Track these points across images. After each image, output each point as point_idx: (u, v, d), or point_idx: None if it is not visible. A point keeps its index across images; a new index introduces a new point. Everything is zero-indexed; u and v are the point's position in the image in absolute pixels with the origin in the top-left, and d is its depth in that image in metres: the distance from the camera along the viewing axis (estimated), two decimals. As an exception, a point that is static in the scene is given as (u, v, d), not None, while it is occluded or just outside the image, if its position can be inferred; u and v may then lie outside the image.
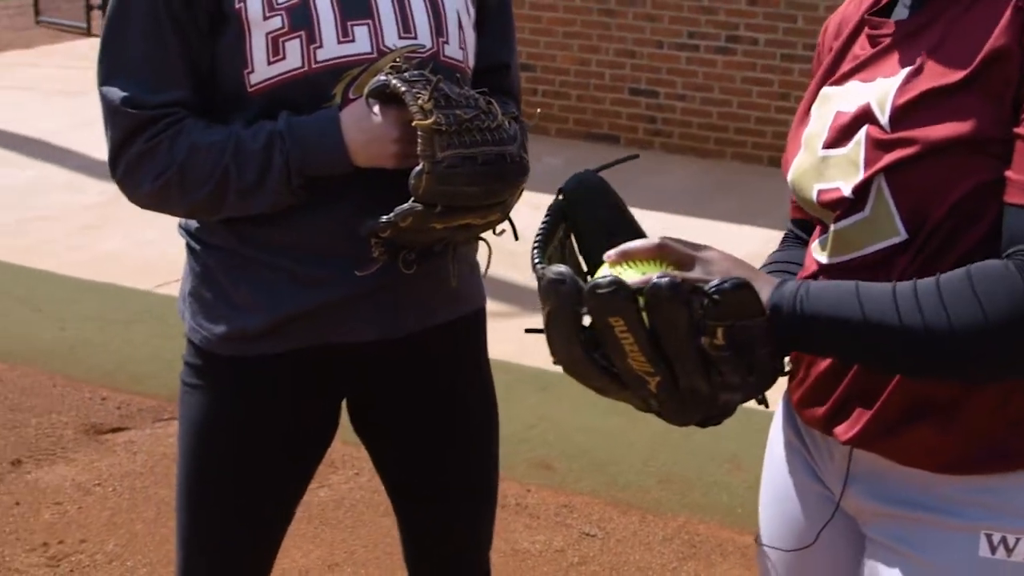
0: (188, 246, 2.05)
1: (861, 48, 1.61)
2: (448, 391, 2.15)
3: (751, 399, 1.48)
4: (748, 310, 1.37)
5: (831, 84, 1.63)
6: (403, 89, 1.77)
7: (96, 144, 7.91)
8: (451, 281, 2.00)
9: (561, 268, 1.41)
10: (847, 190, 1.51)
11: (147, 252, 6.05)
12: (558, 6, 8.50)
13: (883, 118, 1.48)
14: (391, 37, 1.90)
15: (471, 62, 2.03)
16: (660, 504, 3.87)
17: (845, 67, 1.62)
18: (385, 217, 1.81)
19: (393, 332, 2.01)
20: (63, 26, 13.27)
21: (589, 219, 1.65)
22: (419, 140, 1.76)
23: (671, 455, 4.18)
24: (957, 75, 1.43)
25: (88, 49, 12.16)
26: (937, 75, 1.45)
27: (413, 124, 1.76)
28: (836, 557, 1.72)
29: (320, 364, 2.02)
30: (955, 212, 1.44)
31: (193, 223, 2.03)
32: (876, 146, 1.48)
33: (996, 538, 1.50)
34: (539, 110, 8.12)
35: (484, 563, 2.33)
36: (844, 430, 1.58)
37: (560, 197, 1.65)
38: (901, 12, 1.57)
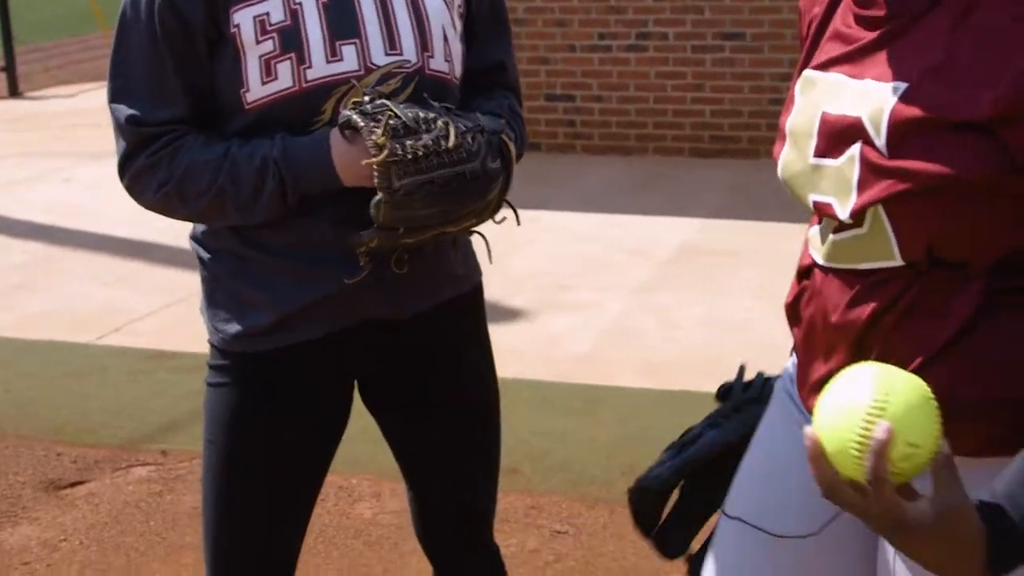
0: (198, 256, 2.18)
1: (844, 23, 1.51)
2: (454, 363, 2.27)
3: None
4: None
5: (815, 67, 1.54)
6: (361, 125, 1.90)
7: (15, 206, 7.87)
8: (454, 268, 2.17)
9: None
10: (842, 212, 1.45)
11: (80, 306, 6.01)
12: (466, 20, 8.54)
13: (879, 140, 1.40)
14: (378, 54, 2.02)
15: (458, 72, 2.14)
16: (626, 496, 3.89)
17: (828, 47, 1.52)
18: (356, 237, 1.94)
19: (398, 315, 2.13)
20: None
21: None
22: (375, 173, 1.88)
23: (632, 448, 4.21)
24: (961, 113, 1.34)
25: (-3, 112, 12.04)
26: (939, 103, 1.36)
27: (363, 163, 1.90)
28: (843, 548, 1.63)
29: (330, 350, 2.14)
30: (956, 251, 1.38)
31: (201, 232, 2.16)
32: (872, 170, 1.41)
33: None
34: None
35: (491, 533, 2.46)
36: None
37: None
38: None
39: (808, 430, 1.27)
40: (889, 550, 1.53)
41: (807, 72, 1.56)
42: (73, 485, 4.18)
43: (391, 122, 1.89)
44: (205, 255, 2.16)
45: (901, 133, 1.38)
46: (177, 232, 6.43)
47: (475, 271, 2.28)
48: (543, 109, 8.59)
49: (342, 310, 2.09)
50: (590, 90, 8.52)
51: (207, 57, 2.01)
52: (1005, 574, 1.26)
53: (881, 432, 1.20)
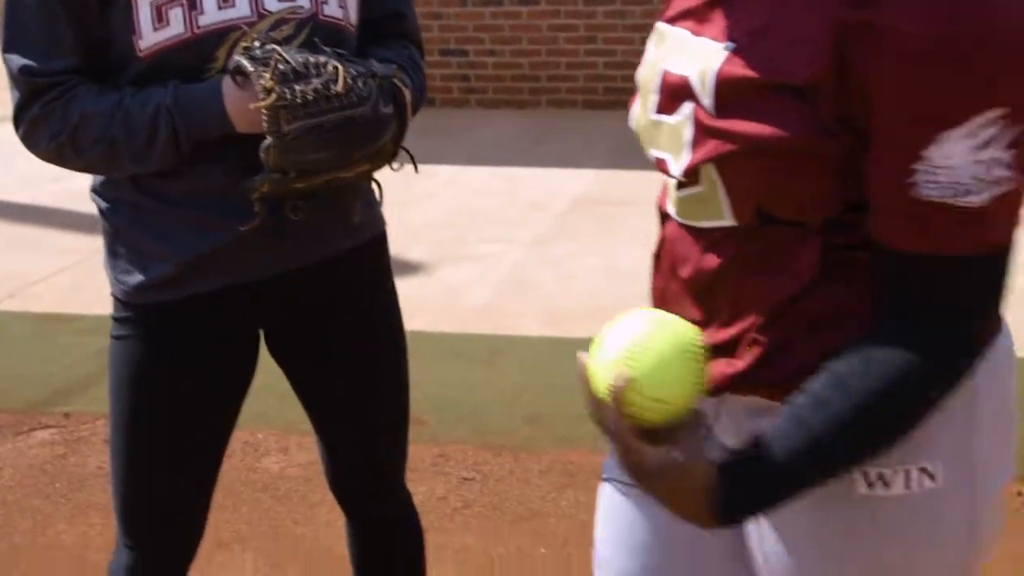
0: (98, 208, 2.17)
1: None
2: (357, 313, 2.28)
3: None
4: None
5: (666, 20, 1.52)
6: (250, 69, 1.91)
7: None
8: (352, 216, 2.15)
9: None
10: (675, 170, 1.45)
11: (-25, 271, 5.93)
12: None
13: (706, 100, 1.38)
14: (270, 0, 2.01)
15: (353, 19, 2.13)
16: (531, 442, 3.98)
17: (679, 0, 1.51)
18: (248, 183, 1.95)
19: (296, 263, 2.15)
20: None
21: None
22: (263, 117, 1.89)
23: (533, 396, 4.29)
24: (780, 76, 1.32)
25: None
26: (761, 65, 1.34)
27: (251, 107, 1.91)
28: None
29: (233, 301, 2.15)
30: (785, 211, 1.38)
31: (100, 184, 2.16)
32: (702, 130, 1.39)
33: (873, 474, 1.43)
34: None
35: (402, 481, 2.49)
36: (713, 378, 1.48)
37: None
38: None
39: (581, 356, 1.38)
40: None
41: (658, 24, 1.54)
42: (-25, 450, 4.16)
43: (280, 66, 1.89)
44: (104, 206, 2.16)
45: (726, 94, 1.37)
46: (71, 195, 6.40)
47: (377, 221, 2.30)
48: (437, 64, 8.59)
49: (240, 260, 2.10)
50: (483, 44, 8.54)
51: (99, 5, 1.99)
52: (735, 522, 1.37)
53: (619, 382, 1.32)
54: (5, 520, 3.69)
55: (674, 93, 1.44)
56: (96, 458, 4.01)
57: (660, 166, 1.49)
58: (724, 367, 1.48)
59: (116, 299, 2.19)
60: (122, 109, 1.99)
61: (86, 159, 2.04)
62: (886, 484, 1.44)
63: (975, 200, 1.26)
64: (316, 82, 1.90)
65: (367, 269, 2.30)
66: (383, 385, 2.35)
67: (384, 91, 2.00)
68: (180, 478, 2.25)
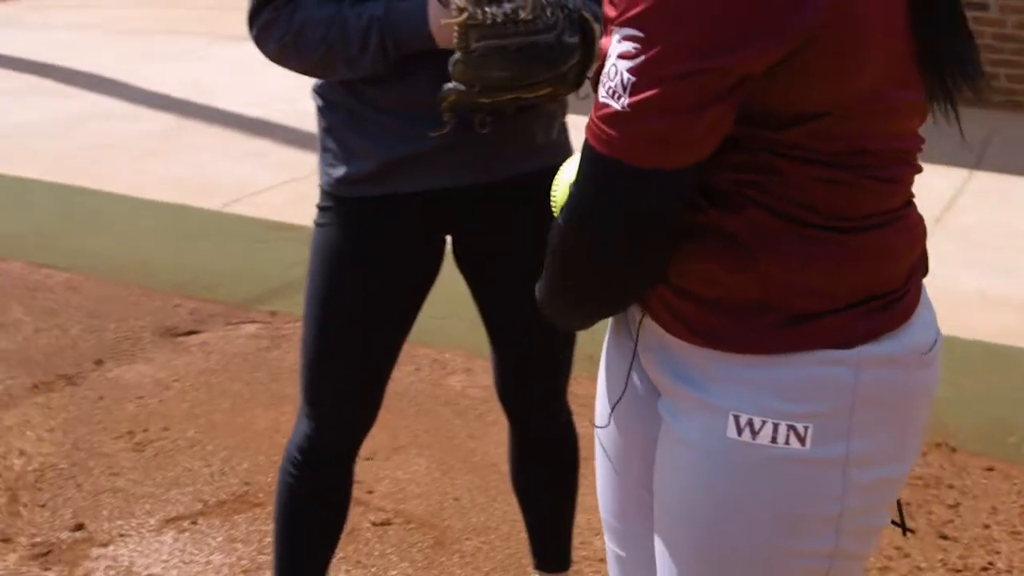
0: (316, 107, 2.40)
1: None
2: (535, 235, 2.40)
3: None
4: None
5: None
6: None
7: (153, 77, 8.20)
8: (535, 137, 2.33)
9: None
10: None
11: (208, 175, 6.30)
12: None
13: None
14: None
15: None
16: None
17: None
18: (440, 92, 2.12)
19: (483, 179, 2.32)
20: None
21: None
22: (455, 33, 2.06)
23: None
24: None
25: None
26: None
27: (443, 23, 2.10)
28: (630, 431, 1.78)
29: (422, 204, 2.34)
30: None
31: (320, 85, 2.38)
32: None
33: (743, 420, 1.48)
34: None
35: (564, 402, 2.66)
36: None
37: None
38: None
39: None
40: (666, 434, 1.64)
41: None
42: (188, 334, 4.49)
43: None
44: (321, 104, 2.38)
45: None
46: (300, 115, 6.72)
47: (563, 148, 2.42)
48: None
49: (432, 167, 2.28)
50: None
51: None
52: None
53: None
54: (207, 399, 4.00)
55: None
56: (295, 355, 4.22)
57: None
58: None
59: (322, 190, 2.40)
60: (340, 18, 2.21)
61: (306, 61, 2.27)
62: (753, 432, 1.48)
63: (601, 96, 1.41)
64: (507, 6, 2.05)
65: (546, 193, 2.42)
66: None
67: (573, 22, 2.14)
68: (359, 361, 2.44)
